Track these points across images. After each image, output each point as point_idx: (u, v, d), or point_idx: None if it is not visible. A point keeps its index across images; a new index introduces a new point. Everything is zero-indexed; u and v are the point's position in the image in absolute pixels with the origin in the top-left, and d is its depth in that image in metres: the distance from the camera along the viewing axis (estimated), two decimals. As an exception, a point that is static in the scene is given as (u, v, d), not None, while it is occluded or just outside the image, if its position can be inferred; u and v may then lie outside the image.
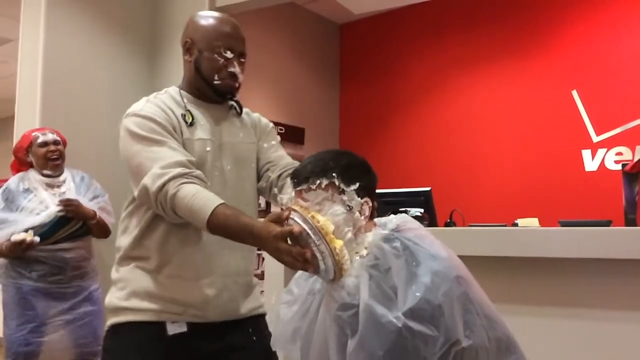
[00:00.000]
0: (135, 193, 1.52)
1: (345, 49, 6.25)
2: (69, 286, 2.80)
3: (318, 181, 1.30)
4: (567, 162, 4.73)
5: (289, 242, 1.28)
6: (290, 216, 1.28)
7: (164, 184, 1.44)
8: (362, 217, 1.32)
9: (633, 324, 1.90)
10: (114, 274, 1.64)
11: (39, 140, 2.89)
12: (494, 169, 5.08)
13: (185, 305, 1.55)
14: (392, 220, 1.37)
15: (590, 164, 4.66)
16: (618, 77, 4.60)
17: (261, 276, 4.91)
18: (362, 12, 5.85)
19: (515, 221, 2.94)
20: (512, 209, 4.38)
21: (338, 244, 1.24)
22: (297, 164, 1.72)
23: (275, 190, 1.67)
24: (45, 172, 2.88)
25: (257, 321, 1.72)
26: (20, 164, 2.96)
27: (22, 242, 2.64)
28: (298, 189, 1.34)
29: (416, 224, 1.37)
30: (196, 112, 1.65)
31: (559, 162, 4.76)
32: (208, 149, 1.62)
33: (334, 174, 1.31)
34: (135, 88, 4.15)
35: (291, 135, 5.54)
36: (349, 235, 1.29)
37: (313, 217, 1.25)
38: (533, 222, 2.90)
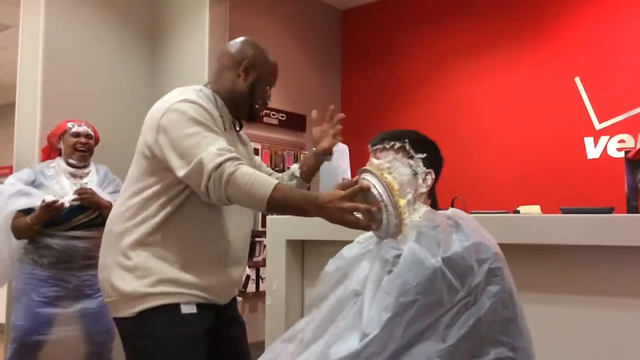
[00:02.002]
0: (183, 171, 1.59)
1: (347, 35, 6.22)
2: (79, 276, 2.82)
3: (392, 143, 1.52)
4: (570, 150, 4.72)
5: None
6: (362, 176, 1.47)
7: (221, 163, 1.56)
8: (424, 185, 1.51)
9: (635, 311, 1.90)
10: (126, 261, 1.68)
11: (72, 130, 2.99)
12: (496, 156, 5.07)
13: (205, 289, 1.73)
14: (446, 211, 1.54)
15: (593, 151, 4.64)
16: (621, 64, 4.58)
17: (262, 263, 4.94)
18: (364, -2, 5.82)
19: (517, 208, 2.93)
20: (514, 197, 4.37)
21: (402, 202, 1.44)
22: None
23: None
24: (70, 161, 2.97)
25: (236, 300, 2.01)
26: (51, 149, 3.07)
27: (54, 202, 2.69)
28: (373, 148, 1.56)
29: (467, 215, 1.51)
30: (225, 119, 1.83)
31: (562, 149, 4.75)
32: None
33: (406, 140, 1.53)
34: (136, 74, 4.14)
35: (292, 123, 5.52)
36: (409, 196, 1.48)
37: (382, 174, 1.44)
38: (535, 209, 2.89)
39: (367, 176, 1.46)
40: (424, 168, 1.51)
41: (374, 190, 1.42)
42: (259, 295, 4.96)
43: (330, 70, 6.12)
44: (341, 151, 2.54)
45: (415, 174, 1.50)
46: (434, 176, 1.54)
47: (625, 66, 4.55)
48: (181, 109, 1.65)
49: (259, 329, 4.89)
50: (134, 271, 1.67)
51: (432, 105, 5.51)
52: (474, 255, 1.34)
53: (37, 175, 2.88)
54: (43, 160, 3.11)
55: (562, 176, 4.67)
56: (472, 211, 2.59)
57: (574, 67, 4.76)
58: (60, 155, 3.02)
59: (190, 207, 1.71)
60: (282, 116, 5.39)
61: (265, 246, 4.61)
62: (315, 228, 2.40)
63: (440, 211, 1.52)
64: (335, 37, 6.21)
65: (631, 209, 2.15)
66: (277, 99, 5.40)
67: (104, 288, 1.77)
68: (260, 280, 4.95)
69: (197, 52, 3.98)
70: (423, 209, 1.50)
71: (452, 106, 5.35)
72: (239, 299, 4.55)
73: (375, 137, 1.57)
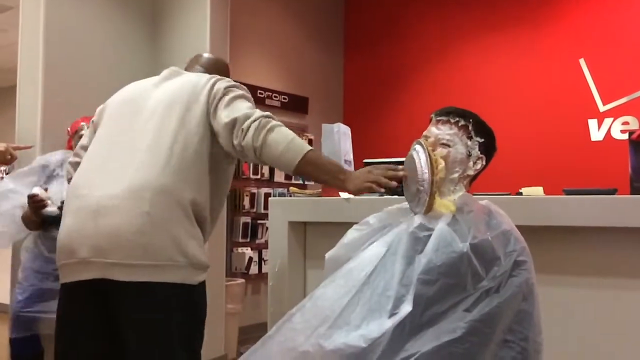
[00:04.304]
0: (229, 118, 1.69)
1: (349, 15, 6.17)
2: None
3: (457, 118, 1.53)
4: (574, 132, 4.70)
5: None
6: (412, 147, 1.48)
7: (269, 115, 1.71)
8: (473, 169, 1.53)
9: (637, 292, 1.90)
10: (192, 229, 1.68)
11: (82, 132, 2.89)
12: (499, 138, 4.99)
13: None
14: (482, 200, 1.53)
15: (597, 133, 4.63)
16: (626, 46, 4.54)
17: (265, 245, 4.94)
18: (367, -21, 5.76)
19: (520, 190, 2.92)
20: (517, 178, 4.35)
21: (446, 204, 1.44)
22: None
23: None
24: None
25: None
26: (69, 143, 3.04)
27: (34, 196, 2.58)
28: (437, 119, 1.56)
29: (501, 210, 1.52)
30: None
31: (565, 131, 4.73)
32: None
33: (470, 120, 1.54)
34: (137, 54, 4.12)
35: (295, 105, 5.50)
36: (456, 175, 1.49)
37: (433, 149, 1.45)
38: (538, 191, 2.88)
39: (417, 147, 1.48)
40: (478, 152, 1.53)
41: (417, 163, 1.43)
42: (262, 276, 4.98)
43: (333, 51, 6.08)
44: (343, 132, 2.52)
45: (469, 155, 1.52)
46: (484, 163, 1.55)
47: (630, 48, 4.51)
48: (237, 84, 1.81)
49: (262, 310, 4.92)
50: (197, 239, 1.69)
51: (435, 86, 5.48)
52: (502, 245, 1.36)
53: (47, 167, 2.86)
54: (67, 149, 3.05)
55: (566, 158, 4.65)
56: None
57: (579, 49, 4.72)
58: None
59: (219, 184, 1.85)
60: (284, 98, 5.37)
61: (267, 228, 4.62)
62: (317, 210, 2.40)
63: (476, 196, 1.53)
64: (337, 18, 6.16)
65: (634, 191, 2.14)
66: (279, 81, 5.38)
67: (164, 250, 1.61)
68: (263, 262, 4.97)
69: (198, 30, 3.96)
70: (462, 191, 1.50)
71: (455, 87, 5.32)
72: (242, 280, 4.57)
73: (441, 108, 1.57)
